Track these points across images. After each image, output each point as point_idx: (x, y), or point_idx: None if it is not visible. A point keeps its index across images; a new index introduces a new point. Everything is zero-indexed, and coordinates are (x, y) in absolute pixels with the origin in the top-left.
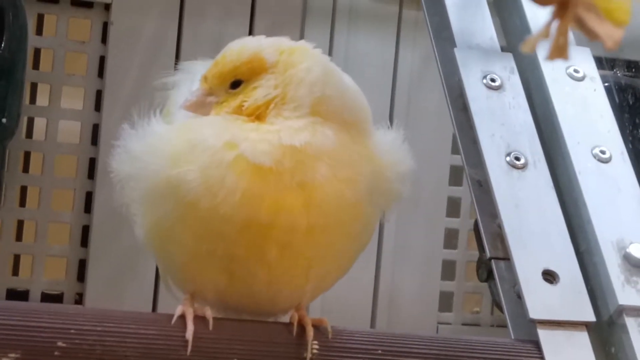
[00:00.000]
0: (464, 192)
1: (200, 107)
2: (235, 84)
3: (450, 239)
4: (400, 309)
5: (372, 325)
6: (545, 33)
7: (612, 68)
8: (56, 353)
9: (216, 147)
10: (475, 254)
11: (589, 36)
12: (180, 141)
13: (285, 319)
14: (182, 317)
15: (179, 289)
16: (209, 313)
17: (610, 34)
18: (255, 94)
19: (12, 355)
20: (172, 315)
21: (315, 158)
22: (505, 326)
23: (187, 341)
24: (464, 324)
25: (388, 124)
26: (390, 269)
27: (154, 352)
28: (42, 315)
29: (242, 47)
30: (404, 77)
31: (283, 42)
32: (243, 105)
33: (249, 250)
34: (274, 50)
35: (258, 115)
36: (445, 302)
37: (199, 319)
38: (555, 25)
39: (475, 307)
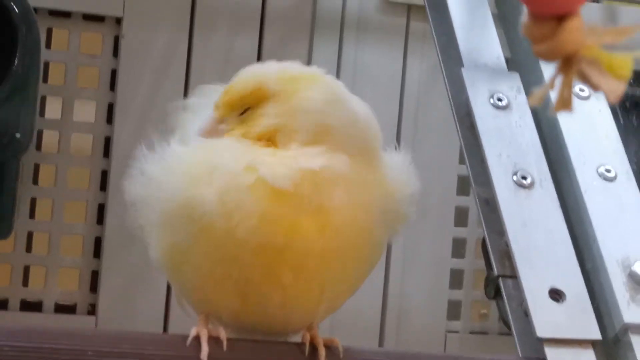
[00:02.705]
0: (472, 202)
1: (213, 133)
2: (245, 112)
3: (458, 248)
4: (409, 317)
5: (381, 333)
6: (551, 85)
7: None
8: None
9: (236, 171)
10: (483, 262)
11: (593, 89)
12: (197, 163)
13: (297, 338)
14: (197, 338)
15: (194, 309)
16: (223, 334)
17: (613, 88)
18: (260, 121)
19: None
20: (187, 336)
21: (332, 182)
22: (511, 333)
23: None
24: (472, 332)
25: (395, 145)
26: (398, 278)
27: None
28: (59, 337)
29: (247, 77)
30: (412, 87)
31: (289, 70)
32: (249, 132)
33: (263, 275)
34: (276, 79)
35: (270, 140)
36: (454, 310)
37: (214, 340)
38: (560, 78)
39: (482, 309)
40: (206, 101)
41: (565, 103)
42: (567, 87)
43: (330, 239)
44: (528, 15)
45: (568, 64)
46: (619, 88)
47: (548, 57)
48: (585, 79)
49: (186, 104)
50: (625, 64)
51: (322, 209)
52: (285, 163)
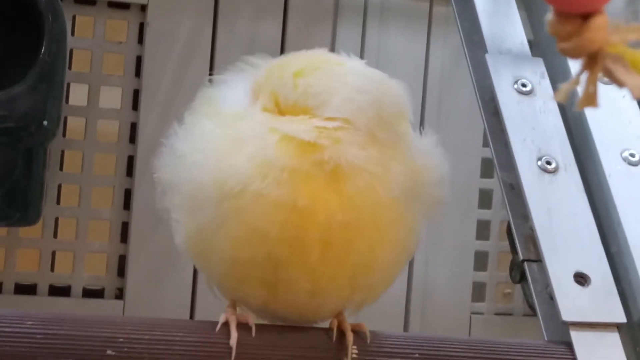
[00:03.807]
0: (496, 184)
1: None
2: None
3: (482, 230)
4: (434, 299)
5: (406, 315)
6: (576, 82)
7: None
8: None
9: (261, 134)
10: (507, 244)
11: (618, 85)
12: (226, 139)
13: (325, 323)
14: (226, 324)
15: (222, 296)
16: (251, 320)
17: (637, 84)
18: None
19: None
20: (216, 323)
21: (349, 143)
22: (536, 315)
23: (231, 348)
24: (496, 314)
25: (420, 129)
26: (423, 261)
27: (199, 359)
28: (92, 324)
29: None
30: (435, 71)
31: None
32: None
33: (291, 249)
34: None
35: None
36: (478, 292)
37: (242, 326)
38: (585, 75)
39: (506, 289)
40: (234, 76)
41: (590, 99)
42: (592, 84)
43: (348, 205)
44: (553, 13)
45: (593, 61)
46: None
47: (573, 55)
48: (610, 76)
49: (214, 79)
50: None
51: (339, 169)
52: (303, 123)
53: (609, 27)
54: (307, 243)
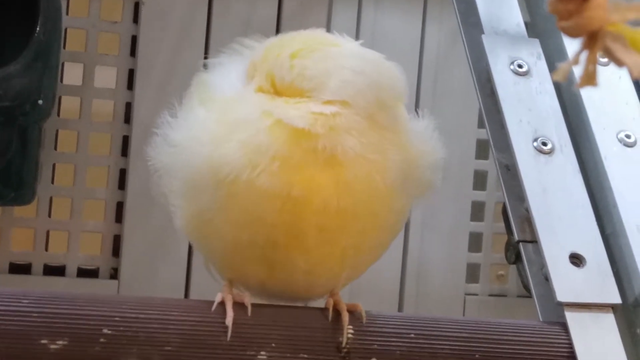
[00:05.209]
0: (491, 166)
1: None
2: None
3: (477, 211)
4: (428, 280)
5: (401, 296)
6: (575, 61)
7: None
8: (102, 340)
9: (253, 119)
10: (501, 226)
11: (617, 64)
12: (219, 124)
13: (320, 303)
14: (222, 303)
15: (220, 276)
16: (247, 300)
17: (636, 63)
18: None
19: (60, 342)
20: (212, 302)
21: (345, 130)
22: (530, 296)
23: (227, 327)
24: (490, 295)
25: (417, 113)
26: (418, 242)
27: (195, 338)
28: (88, 303)
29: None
30: (431, 52)
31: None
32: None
33: (287, 236)
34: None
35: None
36: (472, 273)
37: (238, 305)
38: (585, 54)
39: (500, 271)
40: (229, 59)
41: (589, 78)
42: (591, 63)
43: (345, 193)
44: None
45: (593, 40)
46: None
47: (573, 34)
48: (610, 55)
49: (209, 62)
50: None
51: (335, 157)
52: (299, 107)
53: (609, 5)
54: (304, 229)
